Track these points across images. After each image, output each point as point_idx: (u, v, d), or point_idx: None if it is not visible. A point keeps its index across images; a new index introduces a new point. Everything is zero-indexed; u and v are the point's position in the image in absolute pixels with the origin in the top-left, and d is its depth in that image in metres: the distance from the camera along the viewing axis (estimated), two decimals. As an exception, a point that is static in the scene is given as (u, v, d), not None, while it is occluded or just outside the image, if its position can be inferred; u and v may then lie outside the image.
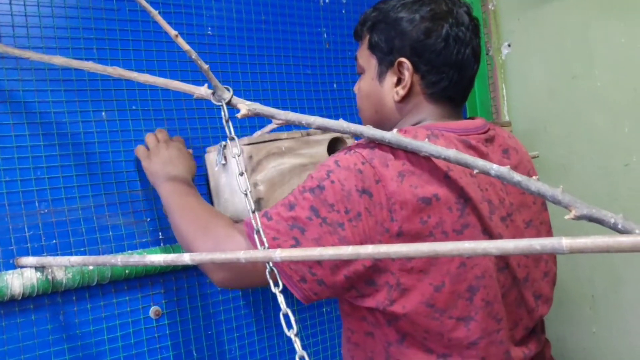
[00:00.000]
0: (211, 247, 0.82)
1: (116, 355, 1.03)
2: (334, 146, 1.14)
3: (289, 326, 0.67)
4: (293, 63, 1.30)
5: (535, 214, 0.91)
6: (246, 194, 0.78)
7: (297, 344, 0.66)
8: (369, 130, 0.81)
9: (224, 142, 1.05)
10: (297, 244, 0.74)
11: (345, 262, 0.75)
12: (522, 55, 1.55)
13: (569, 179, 1.40)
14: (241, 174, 0.79)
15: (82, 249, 1.01)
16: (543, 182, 1.57)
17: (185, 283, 1.11)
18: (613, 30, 1.33)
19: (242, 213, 1.04)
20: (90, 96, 1.05)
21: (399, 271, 0.75)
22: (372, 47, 0.90)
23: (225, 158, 1.04)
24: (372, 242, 0.74)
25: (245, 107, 0.84)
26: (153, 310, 1.07)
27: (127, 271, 1.01)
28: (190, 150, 1.09)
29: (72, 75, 1.04)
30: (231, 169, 1.04)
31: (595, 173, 1.38)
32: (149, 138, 1.05)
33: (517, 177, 0.77)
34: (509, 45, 1.58)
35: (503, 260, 0.83)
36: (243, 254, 0.71)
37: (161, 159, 1.01)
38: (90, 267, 0.97)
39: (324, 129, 0.82)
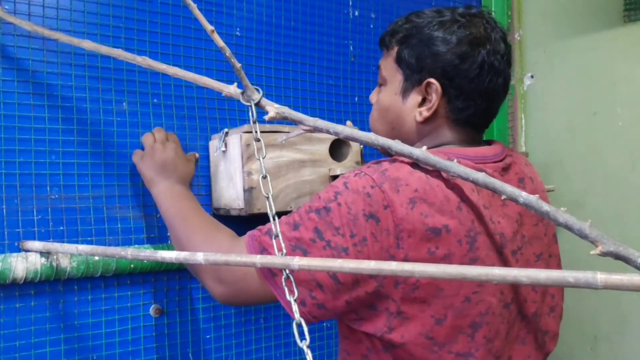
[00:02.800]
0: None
1: (112, 351, 1.00)
2: (336, 147, 1.12)
3: (302, 337, 0.65)
4: (317, 72, 1.29)
5: (545, 247, 0.89)
6: (268, 197, 0.76)
7: (309, 356, 0.64)
8: (398, 145, 0.80)
9: (226, 129, 1.04)
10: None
11: (348, 288, 0.72)
12: (544, 88, 1.54)
13: (582, 216, 1.37)
14: (264, 177, 0.78)
15: (89, 239, 1.00)
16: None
17: (189, 284, 1.09)
18: (638, 71, 1.32)
19: (234, 202, 1.02)
20: (114, 85, 1.04)
21: (401, 299, 0.73)
22: (400, 61, 0.86)
23: (225, 145, 1.03)
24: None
25: (273, 109, 0.82)
26: (154, 308, 1.04)
27: (132, 265, 0.99)
28: (197, 155, 1.07)
29: (98, 62, 1.03)
30: (230, 157, 1.02)
31: (609, 213, 1.37)
32: (146, 138, 1.02)
33: (545, 207, 0.75)
34: (532, 77, 1.57)
35: (509, 296, 0.81)
36: (260, 259, 0.69)
37: (156, 162, 0.98)
38: (96, 258, 0.95)
39: (352, 140, 0.81)
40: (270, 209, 0.75)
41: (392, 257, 0.71)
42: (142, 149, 1.03)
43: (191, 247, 0.85)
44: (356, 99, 1.36)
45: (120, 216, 1.03)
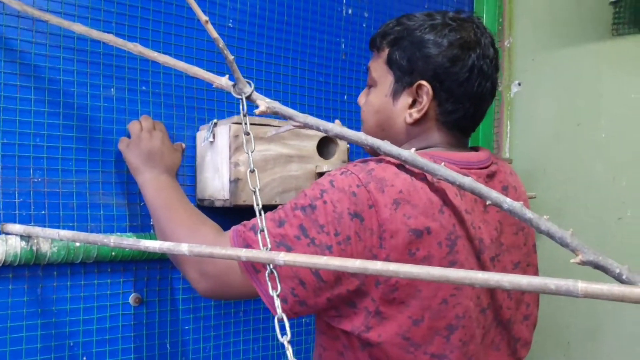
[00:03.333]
0: (195, 258, 0.80)
1: (89, 338, 0.99)
2: (324, 144, 1.12)
3: (283, 332, 0.65)
4: (308, 68, 1.29)
5: (524, 256, 0.90)
6: (255, 191, 0.76)
7: (289, 351, 0.64)
8: (387, 146, 0.80)
9: (215, 120, 1.04)
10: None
11: (330, 286, 0.73)
12: (530, 96, 1.56)
13: (562, 224, 1.39)
14: (252, 171, 0.78)
15: (70, 224, 0.99)
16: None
17: (170, 274, 1.08)
18: (624, 84, 1.34)
19: (220, 192, 1.02)
20: (103, 70, 1.03)
21: (380, 299, 0.73)
22: (391, 63, 0.86)
23: (214, 136, 1.03)
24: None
25: (264, 104, 0.82)
26: (133, 297, 1.04)
27: (113, 253, 0.98)
28: (183, 145, 1.07)
29: (87, 46, 1.01)
30: (218, 148, 1.02)
31: (588, 222, 1.39)
32: (132, 126, 1.00)
33: (528, 214, 0.77)
34: (519, 84, 1.59)
35: (485, 301, 0.82)
36: (245, 252, 0.69)
37: (143, 151, 0.97)
38: (77, 244, 0.94)
39: (341, 138, 0.81)
40: (257, 204, 0.75)
41: (375, 257, 0.72)
42: (129, 136, 1.01)
43: (175, 239, 0.84)
44: (345, 97, 1.36)
45: (104, 203, 1.02)
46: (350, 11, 1.36)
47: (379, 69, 0.89)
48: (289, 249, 0.73)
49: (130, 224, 1.05)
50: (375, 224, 0.71)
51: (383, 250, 0.71)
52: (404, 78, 0.85)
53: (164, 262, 1.07)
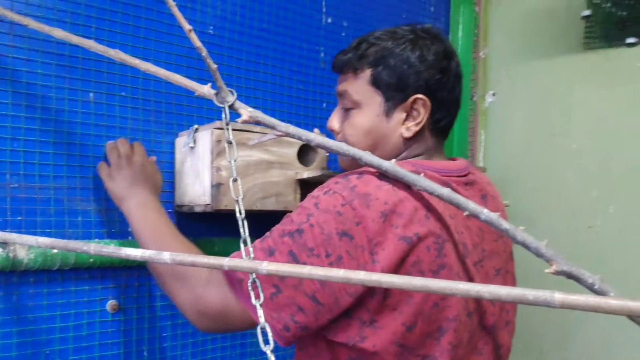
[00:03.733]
0: (191, 297, 0.80)
1: (65, 345, 0.98)
2: (304, 151, 1.13)
3: (266, 342, 0.66)
4: (287, 76, 1.30)
5: (503, 263, 0.93)
6: (237, 201, 0.76)
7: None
8: (368, 157, 0.81)
9: (196, 126, 1.05)
10: (277, 291, 0.73)
11: (329, 308, 0.73)
12: (505, 106, 1.60)
13: (534, 232, 1.42)
14: (235, 180, 0.78)
15: (48, 230, 0.97)
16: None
17: (148, 280, 1.08)
18: (595, 97, 1.39)
19: (200, 198, 1.02)
20: (81, 75, 1.02)
21: (375, 309, 0.74)
22: (377, 83, 0.87)
23: (195, 141, 1.03)
24: (353, 288, 0.72)
25: (247, 113, 0.83)
26: (110, 304, 1.03)
27: (91, 260, 0.97)
28: (154, 158, 1.05)
29: (66, 50, 1.00)
30: (199, 153, 1.02)
31: (559, 230, 1.43)
32: (110, 152, 0.98)
33: (505, 224, 0.79)
34: (494, 94, 1.62)
35: (472, 305, 0.83)
36: (227, 262, 0.69)
37: (125, 178, 0.95)
38: (55, 251, 0.93)
39: (323, 148, 0.82)
40: (240, 212, 0.75)
41: (370, 269, 0.72)
42: (106, 158, 1.01)
43: (168, 281, 0.83)
44: (324, 105, 1.37)
45: (82, 209, 1.01)
46: (329, 20, 1.38)
47: (361, 91, 0.88)
48: (282, 277, 0.73)
49: (109, 230, 1.04)
50: (364, 239, 0.72)
51: (376, 264, 0.72)
52: (397, 95, 0.86)
53: (142, 269, 1.07)
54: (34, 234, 0.95)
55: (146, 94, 1.10)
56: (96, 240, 1.01)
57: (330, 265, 0.72)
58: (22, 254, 0.91)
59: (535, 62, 1.52)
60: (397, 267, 0.73)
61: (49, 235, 0.97)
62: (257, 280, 0.71)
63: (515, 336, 1.52)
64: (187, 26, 0.79)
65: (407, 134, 0.86)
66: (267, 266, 0.68)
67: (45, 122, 0.98)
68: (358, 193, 0.74)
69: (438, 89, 0.85)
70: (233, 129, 1.01)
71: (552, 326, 1.46)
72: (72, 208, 1.00)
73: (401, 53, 0.86)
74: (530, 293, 0.55)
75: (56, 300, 0.98)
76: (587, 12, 1.37)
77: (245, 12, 1.23)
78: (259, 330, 0.67)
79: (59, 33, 0.89)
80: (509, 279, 0.95)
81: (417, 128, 0.86)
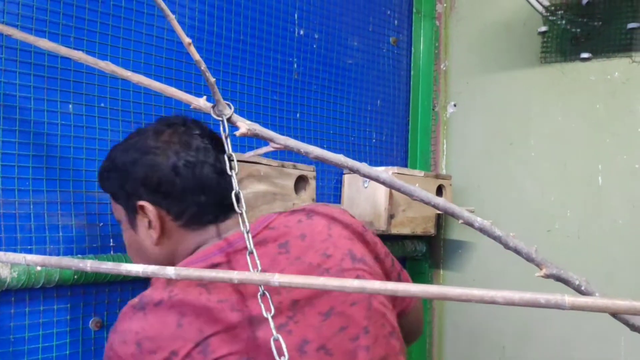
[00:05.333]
0: None
1: (48, 366, 0.95)
2: (299, 182, 1.17)
3: (280, 353, 0.66)
4: (263, 87, 1.31)
5: (336, 302, 0.80)
6: (241, 214, 0.77)
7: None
8: (365, 168, 0.84)
9: None
10: None
11: None
12: (465, 116, 1.66)
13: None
14: (237, 194, 0.78)
15: (28, 247, 0.94)
16: (471, 236, 1.71)
17: (131, 295, 1.05)
18: (551, 108, 1.47)
19: None
20: (60, 86, 0.99)
21: None
22: (115, 198, 0.87)
23: None
24: None
25: (245, 126, 0.83)
26: (94, 321, 1.00)
27: (75, 277, 0.94)
28: None
29: (45, 60, 0.97)
30: None
31: (520, 234, 1.48)
32: None
33: (497, 232, 0.83)
34: (455, 105, 1.69)
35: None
36: (237, 275, 0.70)
37: None
38: (39, 268, 0.90)
39: (322, 160, 0.84)
40: (244, 224, 0.76)
41: None
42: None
43: None
44: (298, 115, 1.39)
45: (62, 224, 0.98)
46: (302, 32, 1.40)
47: (115, 207, 0.88)
48: None
49: (90, 245, 1.01)
50: None
51: None
52: (129, 205, 0.85)
53: (124, 284, 1.04)
54: (14, 251, 0.92)
55: (125, 105, 1.08)
56: (79, 255, 0.99)
57: None
58: (5, 273, 0.87)
59: (495, 75, 1.59)
60: None
61: (29, 252, 0.93)
62: (266, 292, 0.72)
63: (479, 334, 1.59)
64: (186, 40, 0.79)
65: (154, 241, 0.83)
66: (278, 278, 0.69)
67: (23, 135, 0.95)
68: (117, 331, 0.73)
69: (158, 186, 0.81)
70: (244, 161, 1.02)
71: (514, 324, 1.53)
72: (53, 223, 0.97)
73: (119, 161, 0.84)
74: (542, 297, 0.59)
75: (38, 320, 0.94)
76: (543, 28, 1.46)
77: (221, 23, 1.23)
78: (272, 342, 0.68)
79: (45, 44, 0.87)
80: (353, 310, 0.80)
81: (157, 234, 0.83)
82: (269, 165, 1.07)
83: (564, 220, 1.44)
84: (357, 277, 0.82)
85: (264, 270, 0.76)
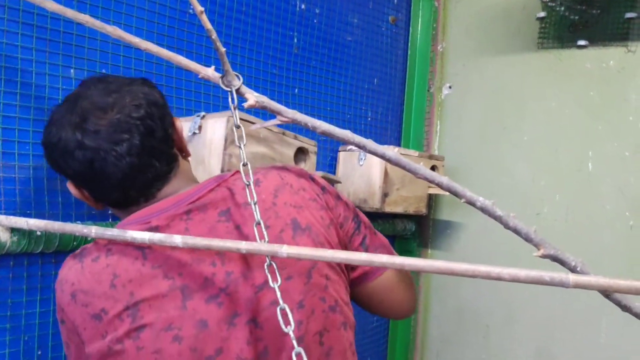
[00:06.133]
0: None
1: (45, 331, 0.95)
2: (297, 155, 1.17)
3: (287, 323, 0.67)
4: (263, 60, 1.30)
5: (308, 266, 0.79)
6: (248, 185, 0.77)
7: (294, 341, 0.66)
8: (372, 144, 0.85)
9: (203, 113, 1.04)
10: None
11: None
12: (460, 98, 1.68)
13: (487, 217, 1.53)
14: (244, 165, 0.78)
15: (28, 212, 0.93)
16: (460, 217, 1.73)
17: (128, 263, 1.05)
18: (546, 93, 1.49)
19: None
20: (63, 50, 0.98)
21: None
22: None
23: (200, 128, 1.02)
24: None
25: (253, 98, 0.83)
26: (91, 287, 1.00)
27: (75, 243, 0.94)
28: None
29: (47, 23, 0.96)
30: (205, 140, 1.02)
31: (509, 216, 1.53)
32: None
33: (498, 212, 0.85)
34: (450, 87, 1.70)
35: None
36: (245, 245, 0.70)
37: None
38: (38, 233, 0.89)
39: (329, 135, 0.85)
40: (252, 199, 0.76)
41: (88, 355, 0.71)
42: None
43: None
44: (296, 90, 1.38)
45: (62, 189, 0.97)
46: (303, 6, 1.39)
47: None
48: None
49: (89, 212, 1.01)
50: (70, 324, 0.73)
51: (86, 345, 0.71)
52: None
53: (122, 252, 1.04)
54: (13, 214, 0.91)
55: (127, 72, 1.06)
56: (78, 222, 0.98)
57: (68, 348, 0.76)
58: (5, 237, 0.86)
59: (491, 58, 1.60)
60: (100, 347, 0.70)
61: (29, 216, 0.93)
62: (273, 263, 0.72)
63: (464, 313, 1.63)
64: (198, 7, 0.78)
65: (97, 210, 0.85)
66: (287, 250, 0.70)
67: (24, 98, 0.93)
68: (59, 280, 0.75)
69: (66, 174, 0.79)
70: (246, 120, 1.02)
71: (499, 304, 1.57)
72: (52, 188, 0.96)
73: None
74: (547, 274, 0.61)
75: (36, 284, 0.94)
76: (542, 14, 1.47)
77: (223, -7, 1.22)
78: (278, 311, 0.69)
79: (51, 5, 0.85)
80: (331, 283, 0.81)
81: (95, 208, 0.84)
82: (270, 130, 1.07)
83: (553, 205, 1.47)
84: None
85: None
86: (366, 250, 0.88)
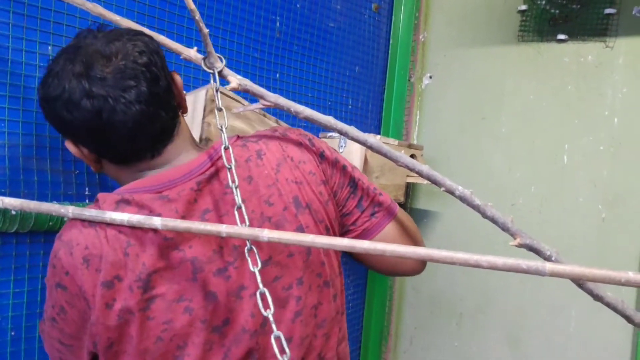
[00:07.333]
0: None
1: (19, 312, 0.93)
2: None
3: (265, 306, 0.67)
4: (245, 43, 1.29)
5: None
6: (230, 168, 0.76)
7: (273, 325, 0.66)
8: (354, 131, 0.85)
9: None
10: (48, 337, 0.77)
11: (79, 346, 0.74)
12: (440, 89, 1.69)
13: (463, 207, 1.55)
14: (226, 148, 0.78)
15: (3, 190, 0.91)
16: (436, 206, 1.75)
17: (104, 245, 1.04)
18: (524, 86, 1.51)
19: None
20: (40, 26, 0.95)
21: (103, 349, 0.72)
22: None
23: None
24: (87, 332, 0.72)
25: (236, 80, 0.83)
26: (66, 268, 0.99)
27: (51, 223, 0.93)
28: None
29: (24, -2, 0.93)
30: (188, 117, 1.01)
31: (485, 206, 1.55)
32: None
33: (477, 201, 0.86)
34: (431, 77, 1.71)
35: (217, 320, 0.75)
36: (225, 229, 0.70)
37: None
38: (13, 212, 0.88)
39: (311, 121, 0.85)
40: (233, 181, 0.75)
41: (90, 321, 0.71)
42: None
43: None
44: (277, 75, 1.38)
45: (37, 169, 0.96)
46: (286, -10, 1.38)
47: None
48: (50, 329, 0.76)
49: (65, 192, 0.99)
50: (75, 288, 0.70)
51: (92, 310, 0.70)
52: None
53: (98, 234, 1.03)
54: (-13, 193, 0.89)
55: (106, 51, 1.04)
56: (54, 202, 0.96)
57: (58, 315, 0.73)
58: (-21, 215, 0.85)
59: (472, 50, 1.62)
60: (104, 313, 0.70)
61: (3, 194, 0.91)
62: (253, 247, 0.72)
63: (439, 300, 1.65)
64: (182, -13, 0.77)
65: (95, 170, 0.82)
66: (268, 234, 0.70)
67: (0, 75, 0.91)
68: (63, 241, 0.72)
69: (68, 128, 0.74)
70: (227, 95, 1.01)
71: (472, 292, 1.59)
72: (28, 167, 0.95)
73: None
74: (524, 262, 0.62)
75: (10, 265, 0.92)
76: (523, 7, 1.48)
77: (207, -26, 1.20)
78: (258, 295, 0.68)
79: (30, -21, 0.83)
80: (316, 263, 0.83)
81: (93, 167, 0.81)
82: (250, 108, 1.06)
83: (528, 196, 1.50)
84: (297, 228, 0.79)
85: (205, 210, 0.76)
86: (362, 212, 0.88)
